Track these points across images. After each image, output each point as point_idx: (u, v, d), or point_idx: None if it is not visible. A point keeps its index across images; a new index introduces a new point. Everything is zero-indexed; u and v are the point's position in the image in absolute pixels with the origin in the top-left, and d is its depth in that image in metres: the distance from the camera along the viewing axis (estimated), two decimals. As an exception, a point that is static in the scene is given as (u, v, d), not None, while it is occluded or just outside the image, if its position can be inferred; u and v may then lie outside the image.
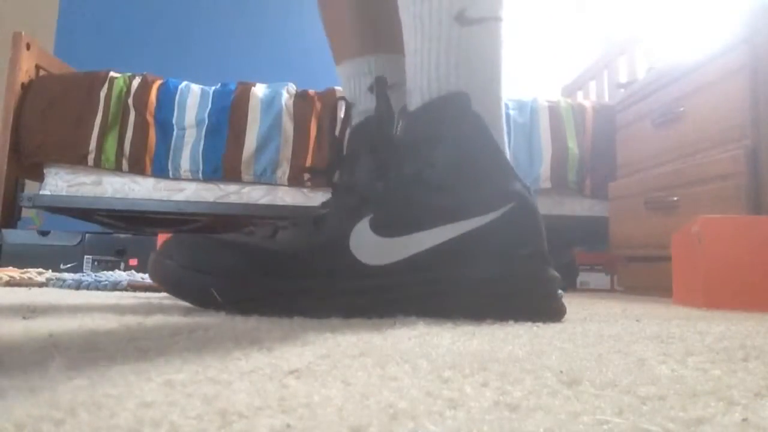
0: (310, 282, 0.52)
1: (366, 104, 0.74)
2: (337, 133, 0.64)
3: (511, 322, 0.51)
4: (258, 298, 0.52)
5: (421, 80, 0.59)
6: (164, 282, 0.56)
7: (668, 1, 2.06)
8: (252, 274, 0.53)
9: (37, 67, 1.88)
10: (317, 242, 0.54)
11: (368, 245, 0.54)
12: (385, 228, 0.54)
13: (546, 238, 0.59)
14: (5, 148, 1.76)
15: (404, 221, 0.55)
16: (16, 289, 0.91)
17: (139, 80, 1.81)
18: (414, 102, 0.60)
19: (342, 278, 0.53)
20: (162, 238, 1.41)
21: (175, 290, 0.56)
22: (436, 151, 0.57)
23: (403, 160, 0.58)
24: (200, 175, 1.77)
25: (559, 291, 0.58)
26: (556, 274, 0.58)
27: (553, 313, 0.56)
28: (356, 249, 0.53)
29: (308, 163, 1.75)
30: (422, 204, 0.56)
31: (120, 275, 1.04)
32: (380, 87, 0.60)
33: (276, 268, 0.53)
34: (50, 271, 1.10)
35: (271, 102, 1.78)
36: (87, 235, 1.80)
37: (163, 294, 0.80)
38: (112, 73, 1.82)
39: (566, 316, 0.59)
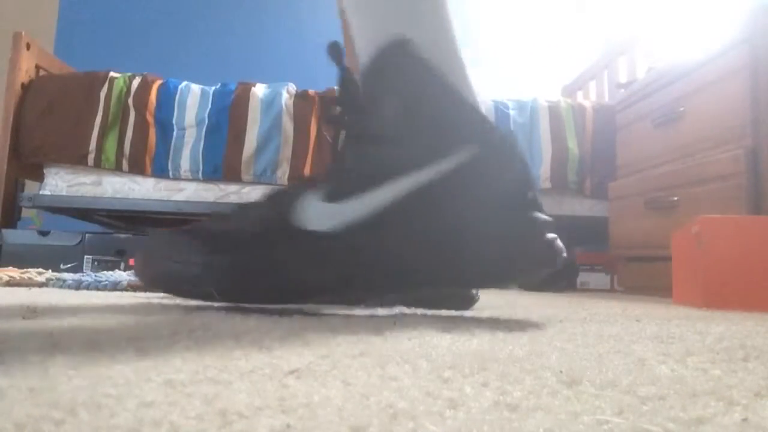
0: (249, 253, 0.51)
1: None
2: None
3: (509, 322, 0.51)
4: (207, 276, 0.52)
5: (365, 37, 0.56)
6: (154, 279, 0.56)
7: (668, 1, 2.06)
8: (201, 255, 0.52)
9: (37, 67, 1.88)
10: (259, 214, 0.53)
11: (314, 212, 0.51)
12: (334, 194, 0.52)
13: (528, 178, 0.54)
14: (5, 148, 1.76)
15: (354, 183, 0.52)
16: (16, 289, 0.91)
17: (139, 80, 1.82)
18: (362, 62, 0.56)
19: (281, 247, 0.51)
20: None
21: (160, 284, 0.56)
22: (383, 103, 0.53)
23: (355, 122, 0.55)
24: (200, 175, 1.77)
25: (549, 235, 0.53)
26: (544, 217, 0.53)
27: (541, 260, 0.52)
28: (300, 218, 0.51)
29: (308, 163, 1.75)
30: (373, 161, 0.53)
31: (120, 275, 1.04)
32: (333, 53, 0.56)
33: (220, 244, 0.52)
34: (50, 271, 1.10)
35: (271, 102, 1.78)
36: (87, 235, 1.80)
37: (163, 294, 0.80)
38: (112, 73, 1.82)
39: (566, 316, 0.59)
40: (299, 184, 0.55)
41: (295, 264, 0.51)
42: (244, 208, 0.56)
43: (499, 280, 0.56)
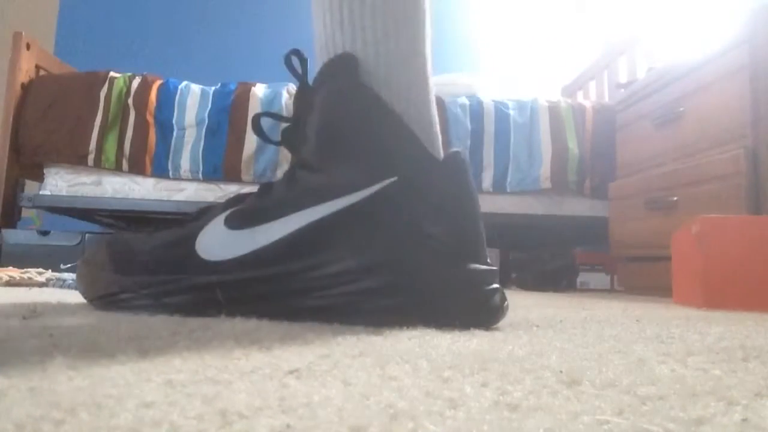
0: (150, 278, 0.50)
1: None
2: None
3: (509, 322, 0.51)
4: (109, 294, 0.52)
5: (317, 49, 0.52)
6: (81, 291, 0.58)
7: (668, 1, 2.06)
8: (107, 271, 0.53)
9: (37, 67, 1.88)
10: (166, 238, 0.52)
11: (215, 240, 0.49)
12: (239, 221, 0.49)
13: (462, 217, 0.47)
14: (5, 148, 1.76)
15: (262, 211, 0.48)
16: (16, 289, 0.91)
17: (139, 80, 1.81)
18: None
19: (179, 275, 0.49)
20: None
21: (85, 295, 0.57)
22: (313, 125, 0.49)
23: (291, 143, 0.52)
24: (200, 175, 1.77)
25: (488, 287, 0.46)
26: (481, 267, 0.46)
27: (472, 319, 0.45)
28: (201, 245, 0.49)
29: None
30: (293, 190, 0.49)
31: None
32: (291, 64, 0.51)
33: (127, 264, 0.52)
34: (50, 271, 1.10)
35: (271, 102, 1.78)
36: (87, 235, 1.80)
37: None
38: (112, 73, 1.82)
39: (566, 316, 0.59)
40: (225, 203, 0.52)
41: (185, 290, 0.49)
42: (175, 221, 0.55)
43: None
